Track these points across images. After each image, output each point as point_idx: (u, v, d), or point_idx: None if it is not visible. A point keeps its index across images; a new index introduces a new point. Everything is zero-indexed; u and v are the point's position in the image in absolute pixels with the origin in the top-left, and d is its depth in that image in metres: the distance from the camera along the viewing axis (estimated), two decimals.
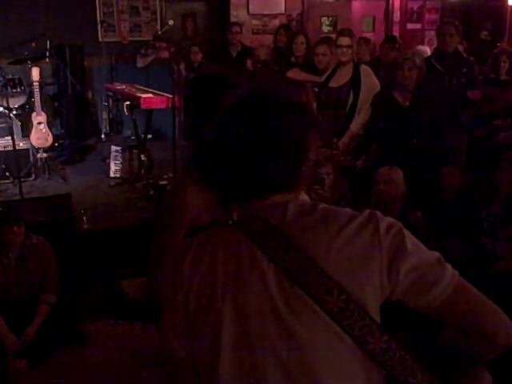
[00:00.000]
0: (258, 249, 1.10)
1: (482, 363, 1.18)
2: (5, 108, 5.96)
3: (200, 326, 1.15)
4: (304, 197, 1.20)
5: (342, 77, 4.65)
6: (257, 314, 1.09)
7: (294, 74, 5.44)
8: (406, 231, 1.11)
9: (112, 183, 5.93)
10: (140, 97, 5.45)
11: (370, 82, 4.61)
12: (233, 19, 8.06)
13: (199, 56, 6.91)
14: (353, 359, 1.07)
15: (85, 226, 4.73)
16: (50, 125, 6.19)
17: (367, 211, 1.12)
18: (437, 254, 1.11)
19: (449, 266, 1.11)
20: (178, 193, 1.85)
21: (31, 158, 6.05)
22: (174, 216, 1.82)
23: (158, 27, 7.84)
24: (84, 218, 4.77)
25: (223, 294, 1.11)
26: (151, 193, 5.45)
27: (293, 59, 5.63)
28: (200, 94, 1.90)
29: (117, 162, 6.14)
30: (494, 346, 1.13)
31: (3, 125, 6.09)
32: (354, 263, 1.06)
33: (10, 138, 5.65)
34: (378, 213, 1.12)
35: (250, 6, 8.37)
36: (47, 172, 6.08)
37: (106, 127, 7.43)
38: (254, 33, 8.39)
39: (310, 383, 1.07)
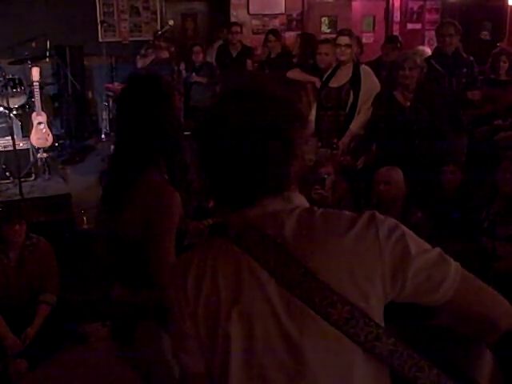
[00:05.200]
0: (257, 263, 1.08)
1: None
2: (5, 108, 5.97)
3: (211, 343, 1.14)
4: (300, 198, 1.17)
5: (342, 77, 4.65)
6: (262, 329, 1.08)
7: (294, 74, 5.44)
8: (407, 232, 1.09)
9: None
10: None
11: (370, 82, 4.61)
12: (233, 19, 8.07)
13: (201, 56, 6.92)
14: (359, 364, 1.07)
15: (85, 226, 4.72)
16: (50, 125, 6.21)
17: (366, 214, 1.10)
18: (438, 250, 1.11)
19: (451, 259, 1.12)
20: (167, 198, 1.88)
21: (31, 158, 6.06)
22: (169, 221, 1.86)
23: (158, 27, 7.84)
24: (84, 218, 4.77)
25: (228, 311, 1.10)
26: None
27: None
28: (138, 95, 1.94)
29: None
30: (496, 330, 1.15)
31: (3, 125, 6.09)
32: (355, 275, 1.05)
33: (10, 137, 5.66)
34: (378, 215, 1.10)
35: (250, 6, 8.38)
36: (47, 172, 6.09)
37: (106, 127, 7.43)
38: (254, 33, 8.40)
39: None
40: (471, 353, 1.19)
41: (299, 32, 7.74)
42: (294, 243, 1.07)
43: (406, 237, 1.08)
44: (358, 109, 4.55)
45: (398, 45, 6.09)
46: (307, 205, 1.17)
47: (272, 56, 6.39)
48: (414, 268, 1.06)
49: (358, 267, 1.05)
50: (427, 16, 9.20)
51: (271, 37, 6.38)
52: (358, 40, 5.80)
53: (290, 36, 8.10)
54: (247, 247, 1.09)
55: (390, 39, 6.54)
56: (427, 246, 1.11)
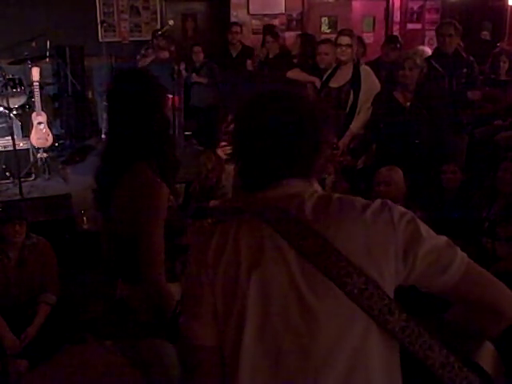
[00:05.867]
0: (278, 235, 1.14)
1: (489, 337, 1.24)
2: (5, 108, 5.96)
3: (227, 310, 1.18)
4: (318, 186, 1.25)
5: (343, 77, 4.65)
6: (280, 295, 1.13)
7: (294, 74, 5.44)
8: (417, 218, 1.16)
9: None
10: None
11: (370, 82, 4.61)
12: (233, 19, 8.07)
13: (201, 56, 6.93)
14: (371, 339, 1.11)
15: (85, 226, 4.72)
16: (50, 125, 6.20)
17: (379, 200, 1.18)
18: (445, 238, 1.18)
19: (458, 248, 1.18)
20: (153, 190, 1.90)
21: (31, 158, 6.05)
22: (155, 212, 1.89)
23: (158, 27, 7.84)
24: (84, 218, 4.77)
25: (247, 277, 1.15)
26: None
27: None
28: (123, 89, 1.97)
29: None
30: (503, 319, 1.18)
31: (3, 125, 6.09)
32: (370, 249, 1.11)
33: (10, 137, 5.65)
34: (390, 201, 1.18)
35: (250, 6, 8.38)
36: (47, 172, 6.08)
37: (106, 127, 7.43)
38: (254, 33, 8.39)
39: (326, 363, 1.10)
40: (474, 344, 1.23)
41: (299, 32, 7.74)
42: (314, 219, 1.14)
43: (416, 220, 1.16)
44: (357, 109, 4.56)
45: (398, 45, 6.09)
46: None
47: (270, 56, 6.38)
48: (424, 249, 1.12)
49: (374, 242, 1.12)
50: (427, 16, 9.19)
51: (269, 38, 6.38)
52: (361, 40, 5.80)
53: (290, 36, 8.09)
54: (269, 221, 1.16)
55: (390, 39, 6.53)
56: (435, 233, 1.17)
